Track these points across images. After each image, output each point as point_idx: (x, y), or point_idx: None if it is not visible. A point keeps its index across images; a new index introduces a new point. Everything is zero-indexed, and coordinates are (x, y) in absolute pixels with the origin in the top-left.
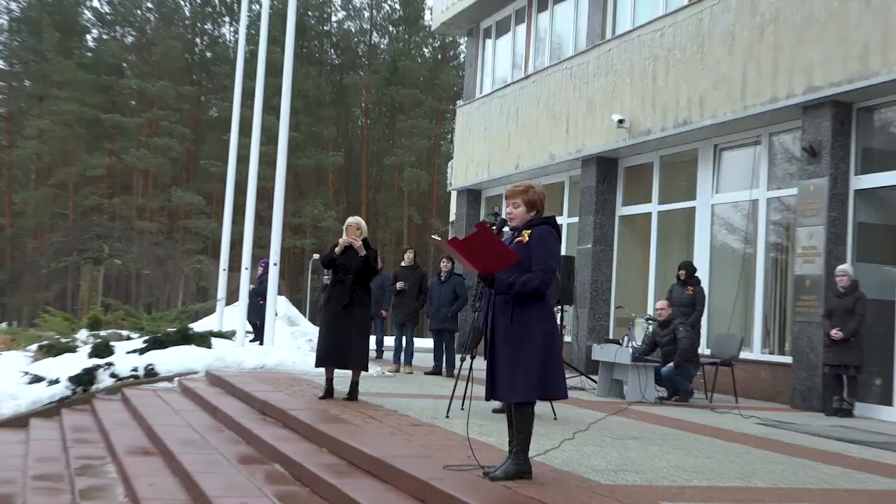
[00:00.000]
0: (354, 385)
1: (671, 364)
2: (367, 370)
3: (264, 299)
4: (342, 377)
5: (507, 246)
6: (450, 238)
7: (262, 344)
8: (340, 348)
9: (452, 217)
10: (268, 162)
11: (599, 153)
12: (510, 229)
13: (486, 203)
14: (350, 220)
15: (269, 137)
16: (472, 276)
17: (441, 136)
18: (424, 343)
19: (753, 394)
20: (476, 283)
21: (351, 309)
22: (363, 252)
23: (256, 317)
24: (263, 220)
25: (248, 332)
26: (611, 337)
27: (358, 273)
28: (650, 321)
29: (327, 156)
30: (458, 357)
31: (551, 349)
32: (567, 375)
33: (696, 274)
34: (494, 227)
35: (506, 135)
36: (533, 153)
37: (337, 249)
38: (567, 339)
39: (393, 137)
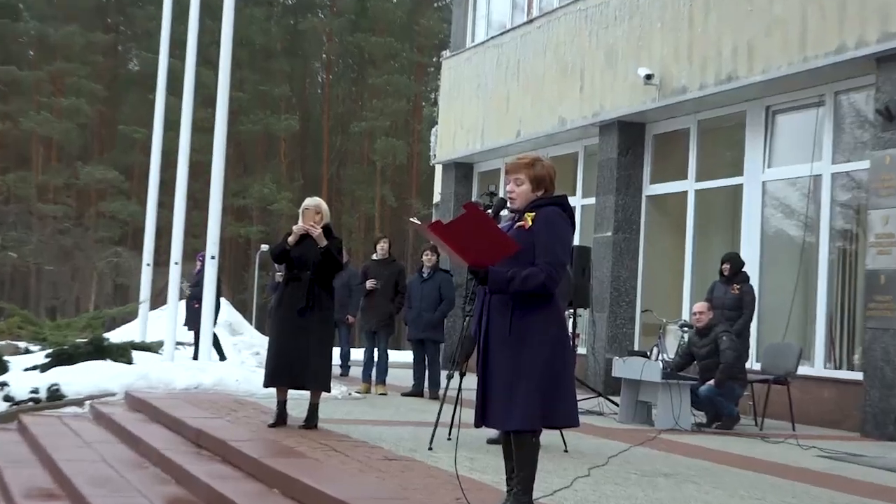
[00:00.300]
0: (313, 409)
1: (711, 382)
2: (329, 391)
3: (200, 302)
4: (298, 399)
5: (504, 232)
6: (432, 222)
7: (196, 358)
8: (295, 363)
9: (437, 197)
10: (204, 129)
11: (622, 117)
12: (511, 211)
13: (480, 180)
14: (308, 201)
15: (206, 98)
16: (461, 272)
17: (422, 96)
18: (402, 356)
19: (814, 419)
20: (466, 279)
21: (309, 314)
22: (323, 242)
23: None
24: (198, 203)
25: (181, 343)
26: (636, 348)
27: (317, 268)
28: (685, 328)
29: (279, 121)
30: (444, 374)
31: (560, 363)
32: (580, 397)
33: (744, 269)
34: (490, 211)
35: (504, 94)
36: (538, 117)
37: (290, 239)
38: (581, 350)
39: (362, 98)
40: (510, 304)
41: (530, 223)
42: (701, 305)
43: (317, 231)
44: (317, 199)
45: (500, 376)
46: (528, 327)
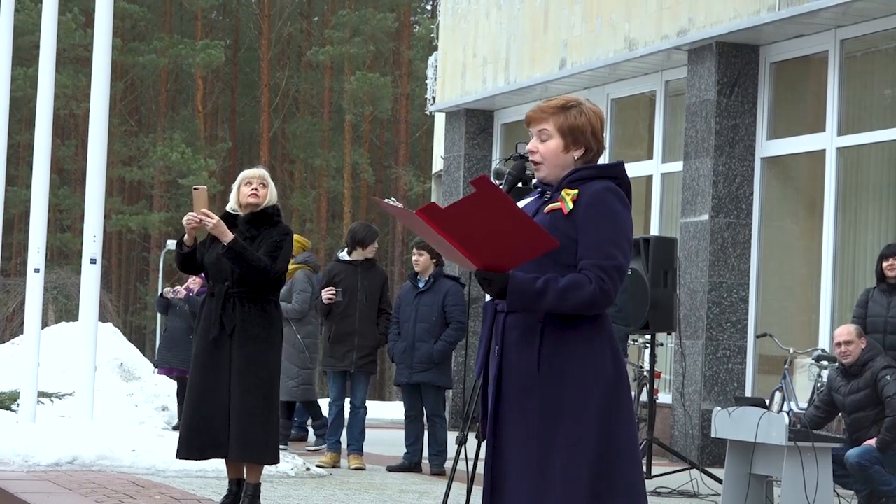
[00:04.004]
0: (252, 497)
1: (868, 443)
2: (273, 461)
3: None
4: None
5: (531, 219)
6: (424, 206)
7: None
8: (214, 420)
9: (438, 164)
10: (77, 60)
11: (723, 36)
12: (535, 186)
13: (505, 136)
14: (244, 173)
15: (83, 11)
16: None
17: (415, 8)
18: (387, 409)
19: None
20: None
21: (227, 344)
22: (227, 235)
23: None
24: (68, 175)
25: (47, 395)
26: (749, 394)
27: (240, 276)
28: (825, 363)
29: (192, 47)
30: (452, 437)
31: (619, 423)
32: (665, 469)
33: None
34: (503, 182)
35: (540, 2)
36: (594, 38)
37: (186, 238)
38: (664, 398)
39: (321, 9)
40: (539, 328)
41: (570, 206)
42: (847, 331)
43: (211, 221)
44: (256, 170)
45: (523, 450)
46: (565, 368)
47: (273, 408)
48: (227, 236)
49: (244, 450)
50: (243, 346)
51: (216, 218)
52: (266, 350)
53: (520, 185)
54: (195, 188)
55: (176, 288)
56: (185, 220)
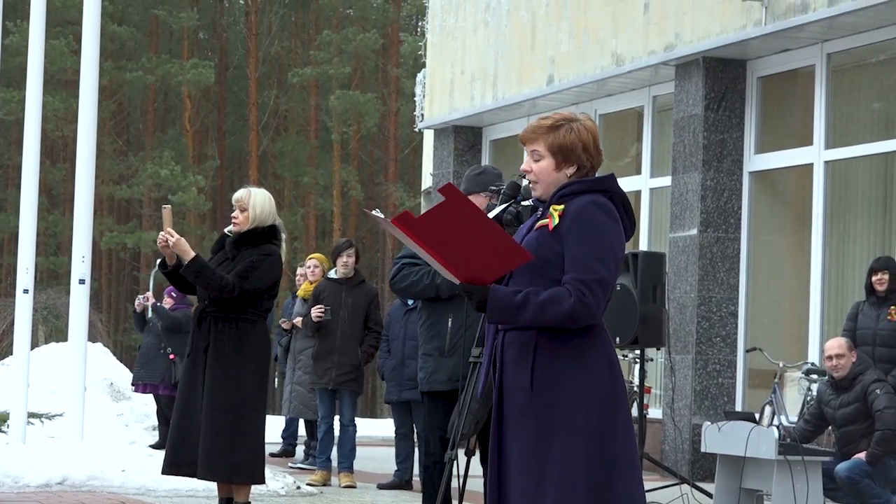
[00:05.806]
0: None
1: (858, 456)
2: (250, 481)
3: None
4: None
5: (501, 229)
6: (398, 214)
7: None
8: (189, 438)
9: (428, 181)
10: (65, 83)
11: (710, 51)
12: (533, 203)
13: (493, 152)
14: (238, 193)
15: (76, 37)
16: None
17: (401, 24)
18: (378, 427)
19: None
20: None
21: (203, 363)
22: (188, 254)
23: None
24: (57, 198)
25: (37, 415)
26: (738, 408)
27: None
28: (814, 376)
29: (181, 68)
30: (445, 455)
31: (615, 436)
32: (654, 484)
33: None
34: (497, 205)
35: (527, 19)
36: (581, 54)
37: (168, 261)
38: (654, 413)
39: (307, 29)
40: (532, 343)
41: (557, 220)
42: (838, 344)
43: (173, 238)
44: (239, 192)
45: (523, 464)
46: (560, 381)
47: (247, 426)
48: (188, 255)
49: (209, 468)
50: (215, 364)
51: (177, 236)
52: (239, 368)
53: (514, 201)
54: (164, 207)
55: (146, 294)
56: (160, 237)
